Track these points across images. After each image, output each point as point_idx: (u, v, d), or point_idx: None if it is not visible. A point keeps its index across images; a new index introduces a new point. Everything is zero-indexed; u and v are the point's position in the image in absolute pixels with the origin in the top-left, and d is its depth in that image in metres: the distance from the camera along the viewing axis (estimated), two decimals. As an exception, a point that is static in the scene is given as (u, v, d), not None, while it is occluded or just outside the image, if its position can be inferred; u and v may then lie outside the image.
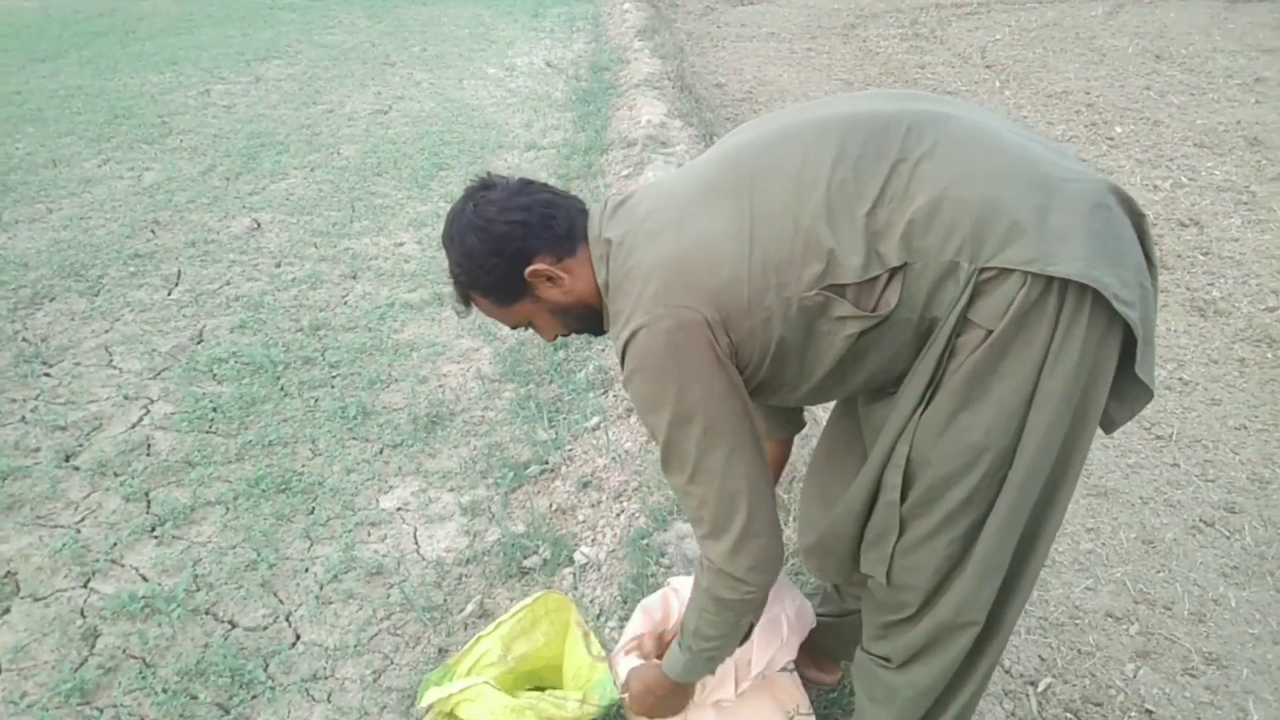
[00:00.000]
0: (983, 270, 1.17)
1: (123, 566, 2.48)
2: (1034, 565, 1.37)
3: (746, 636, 1.58)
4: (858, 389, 1.41)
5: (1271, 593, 2.50)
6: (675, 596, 1.97)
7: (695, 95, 7.26)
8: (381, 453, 2.97)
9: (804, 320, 1.28)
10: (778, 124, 1.38)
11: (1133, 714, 2.16)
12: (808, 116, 1.34)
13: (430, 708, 1.83)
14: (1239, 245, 4.38)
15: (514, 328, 1.58)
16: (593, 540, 2.54)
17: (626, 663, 1.84)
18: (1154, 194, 5.02)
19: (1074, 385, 1.19)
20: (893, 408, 1.32)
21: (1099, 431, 1.31)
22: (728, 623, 1.48)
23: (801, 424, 1.92)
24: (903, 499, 1.34)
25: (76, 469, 2.84)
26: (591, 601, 2.32)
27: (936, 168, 1.21)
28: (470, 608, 2.33)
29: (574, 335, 1.58)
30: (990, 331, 1.19)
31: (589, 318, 1.49)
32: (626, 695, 1.79)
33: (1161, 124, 6.09)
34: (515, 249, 1.40)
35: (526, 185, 1.45)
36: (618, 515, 2.61)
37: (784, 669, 1.91)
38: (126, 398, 3.22)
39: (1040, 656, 2.31)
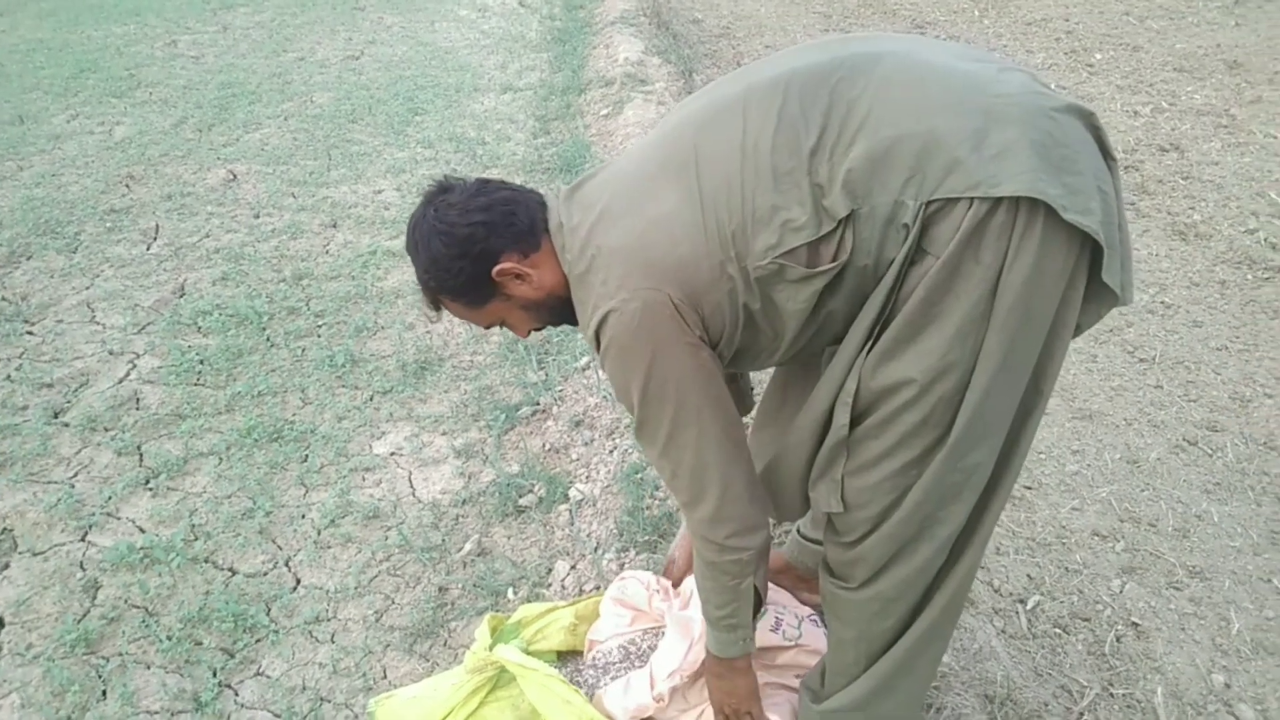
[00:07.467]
0: (929, 203, 1.17)
1: (119, 519, 2.49)
2: (1009, 477, 1.36)
3: (760, 602, 1.55)
4: (835, 339, 1.39)
5: (1252, 506, 2.55)
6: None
7: (672, 31, 7.15)
8: (372, 399, 2.97)
9: (762, 288, 1.30)
10: (718, 93, 1.38)
11: (1119, 627, 2.22)
12: (746, 82, 1.34)
13: (488, 647, 1.81)
14: (1219, 169, 4.39)
15: (487, 328, 1.59)
16: (587, 477, 2.57)
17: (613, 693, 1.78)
18: (1134, 119, 5.00)
19: (1031, 299, 1.18)
20: (842, 344, 1.33)
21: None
22: (725, 587, 1.48)
23: (749, 406, 1.93)
24: (854, 426, 1.34)
25: (66, 425, 2.83)
26: (589, 535, 2.35)
27: (870, 111, 1.21)
28: (469, 546, 2.36)
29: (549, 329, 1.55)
30: (939, 258, 1.19)
31: (561, 309, 1.49)
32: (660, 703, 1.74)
33: (1141, 49, 6.05)
34: (480, 250, 1.40)
35: (484, 185, 1.46)
36: (610, 452, 2.63)
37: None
38: (112, 353, 3.20)
39: (1029, 575, 2.36)
